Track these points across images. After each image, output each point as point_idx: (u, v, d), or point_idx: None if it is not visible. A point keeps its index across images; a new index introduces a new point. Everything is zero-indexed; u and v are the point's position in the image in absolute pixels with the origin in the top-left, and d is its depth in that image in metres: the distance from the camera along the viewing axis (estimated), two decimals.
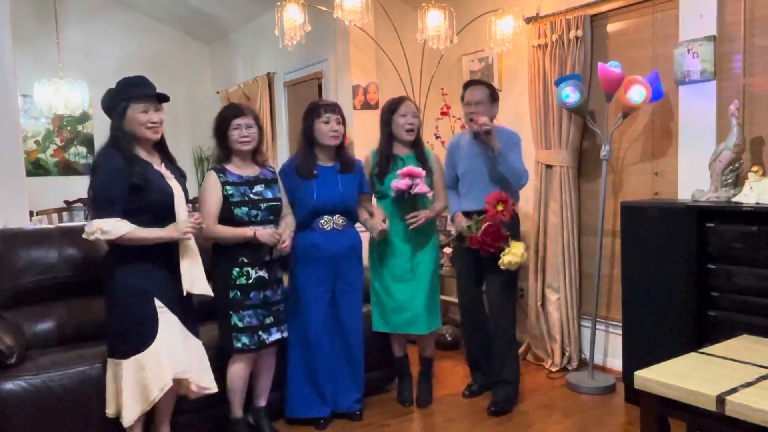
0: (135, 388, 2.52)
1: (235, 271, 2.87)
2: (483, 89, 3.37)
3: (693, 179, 3.24)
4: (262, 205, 2.92)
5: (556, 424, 3.20)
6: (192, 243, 2.65)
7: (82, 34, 6.78)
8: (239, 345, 2.86)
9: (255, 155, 3.02)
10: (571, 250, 3.92)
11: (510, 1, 4.22)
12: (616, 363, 3.77)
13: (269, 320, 2.94)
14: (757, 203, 2.83)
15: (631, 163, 3.76)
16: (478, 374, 3.57)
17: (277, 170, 3.18)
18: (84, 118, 6.76)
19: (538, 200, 4.03)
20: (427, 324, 3.31)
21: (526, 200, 4.03)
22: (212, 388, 2.73)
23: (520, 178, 3.30)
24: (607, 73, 3.42)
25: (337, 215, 3.16)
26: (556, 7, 3.94)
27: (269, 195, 2.97)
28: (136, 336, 2.52)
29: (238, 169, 2.95)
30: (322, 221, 3.14)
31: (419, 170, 3.17)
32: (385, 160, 3.32)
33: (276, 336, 2.98)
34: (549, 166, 3.98)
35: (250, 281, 2.88)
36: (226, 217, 2.87)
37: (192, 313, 2.73)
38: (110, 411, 2.62)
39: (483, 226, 3.19)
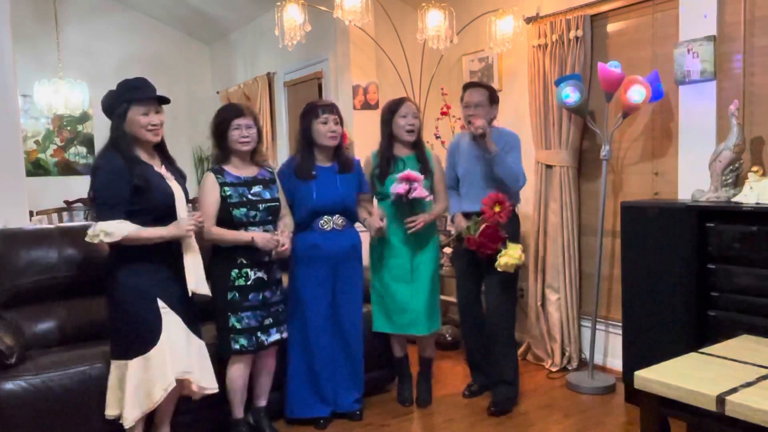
0: (138, 388, 2.52)
1: (234, 272, 2.86)
2: (482, 91, 3.36)
3: (693, 179, 3.24)
4: (261, 206, 2.92)
5: (556, 424, 3.20)
6: (194, 242, 2.66)
7: (82, 34, 6.78)
8: (237, 346, 2.86)
9: (253, 156, 3.01)
10: (571, 250, 3.92)
11: (510, 1, 4.22)
12: (616, 363, 3.77)
13: (268, 321, 2.94)
14: (757, 203, 2.83)
15: (631, 163, 3.76)
16: (478, 374, 3.57)
17: (276, 171, 3.17)
18: (84, 118, 6.76)
19: (538, 200, 4.03)
20: (427, 325, 3.31)
21: (526, 200, 4.02)
22: (214, 388, 2.73)
23: (516, 180, 3.30)
24: (607, 73, 3.42)
25: (336, 215, 3.16)
26: (556, 7, 3.94)
27: (267, 196, 2.96)
28: (140, 337, 2.53)
29: (237, 169, 2.94)
30: (321, 221, 3.14)
31: (417, 174, 3.16)
32: (386, 161, 3.32)
33: (275, 337, 2.98)
34: (549, 166, 3.98)
35: (248, 282, 2.88)
36: (225, 218, 2.86)
37: (194, 312, 2.73)
38: (111, 413, 2.61)
39: (481, 228, 3.18)
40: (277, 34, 4.11)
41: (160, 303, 2.56)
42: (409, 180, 3.15)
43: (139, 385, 2.51)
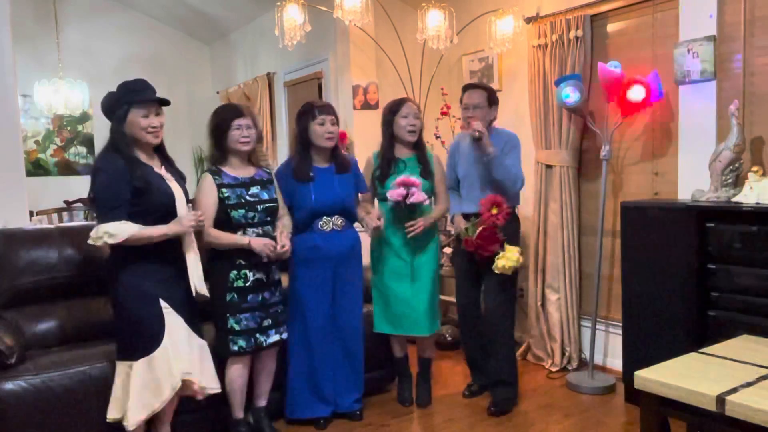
0: (144, 390, 2.51)
1: (233, 273, 2.85)
2: (481, 93, 3.36)
3: (693, 179, 3.24)
4: (259, 207, 2.91)
5: (556, 424, 3.20)
6: (194, 241, 2.66)
7: (82, 34, 6.77)
8: (235, 348, 2.85)
9: (250, 156, 2.99)
10: (571, 250, 3.92)
11: (510, 1, 4.22)
12: (616, 363, 3.77)
13: (267, 322, 2.93)
14: (757, 203, 2.83)
15: (631, 163, 3.76)
16: (477, 374, 3.57)
17: (274, 172, 3.15)
18: (84, 118, 6.76)
19: (538, 200, 4.03)
20: (428, 325, 3.31)
21: (526, 200, 4.03)
22: (216, 388, 2.73)
23: (515, 183, 3.29)
24: (607, 73, 3.42)
25: (335, 216, 3.16)
26: (556, 7, 3.94)
27: (265, 196, 2.95)
28: (144, 338, 2.53)
29: (234, 170, 2.92)
30: (321, 222, 3.14)
31: (414, 179, 3.15)
32: (387, 162, 3.31)
33: (275, 338, 2.97)
34: (549, 166, 3.98)
35: (247, 284, 2.87)
36: (223, 219, 2.84)
37: (196, 312, 2.73)
38: (113, 416, 2.59)
39: (478, 230, 3.18)
40: (277, 34, 4.11)
41: (163, 303, 2.56)
42: (405, 185, 3.14)
43: (144, 386, 2.51)
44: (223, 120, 2.89)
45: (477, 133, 3.19)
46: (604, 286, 3.88)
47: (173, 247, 2.62)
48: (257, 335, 2.89)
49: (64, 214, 6.25)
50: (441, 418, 3.32)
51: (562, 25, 3.82)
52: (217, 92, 7.18)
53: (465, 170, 3.42)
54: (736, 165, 3.00)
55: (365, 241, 3.32)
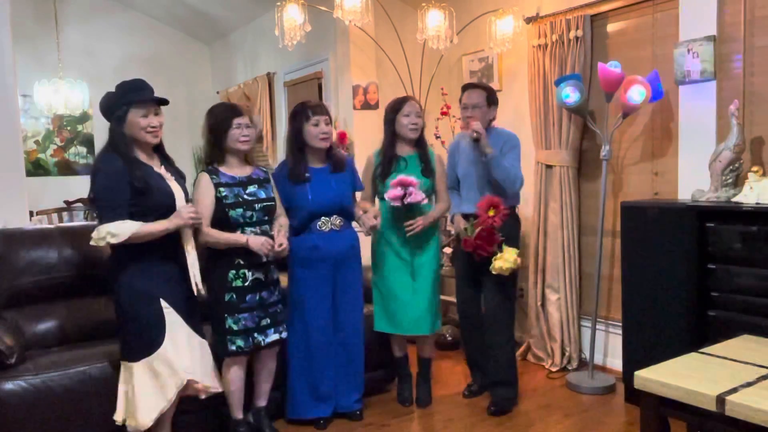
0: (149, 390, 2.52)
1: (231, 273, 2.84)
2: (480, 93, 3.36)
3: (693, 179, 3.24)
4: (257, 206, 2.90)
5: (556, 424, 3.20)
6: (192, 239, 2.66)
7: (82, 34, 6.77)
8: (234, 348, 2.84)
9: (246, 155, 2.98)
10: (571, 250, 3.92)
11: (510, 1, 4.22)
12: (616, 363, 3.77)
13: (266, 322, 2.93)
14: (757, 203, 2.83)
15: (631, 163, 3.76)
16: (477, 374, 3.57)
17: (270, 173, 3.15)
18: (84, 118, 6.76)
19: (538, 200, 4.03)
20: (429, 324, 3.31)
21: (526, 200, 4.03)
22: (217, 387, 2.73)
23: (514, 183, 3.29)
24: (607, 73, 3.42)
25: (334, 216, 3.16)
26: (556, 7, 3.94)
27: (263, 195, 2.94)
28: (144, 338, 2.53)
29: (231, 169, 2.91)
30: (319, 223, 3.13)
31: (411, 179, 3.15)
32: (388, 160, 3.31)
33: (274, 337, 2.96)
34: (549, 166, 3.98)
35: (246, 283, 2.86)
36: (221, 218, 2.83)
37: (196, 311, 2.73)
38: (120, 418, 2.59)
39: (476, 230, 3.18)
40: (277, 34, 4.11)
41: (163, 303, 2.56)
42: (403, 185, 3.14)
43: (148, 387, 2.52)
44: (223, 119, 2.87)
45: (475, 134, 3.19)
46: (604, 286, 3.88)
47: (173, 246, 2.62)
48: (256, 335, 2.89)
49: (64, 214, 6.26)
50: (441, 418, 3.32)
51: (562, 25, 3.82)
52: (217, 92, 7.18)
53: (464, 170, 3.42)
54: (736, 165, 3.00)
55: (364, 240, 3.32)
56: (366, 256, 3.37)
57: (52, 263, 3.06)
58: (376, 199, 3.43)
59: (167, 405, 2.53)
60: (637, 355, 3.20)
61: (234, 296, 2.85)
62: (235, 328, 2.84)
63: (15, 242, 3.05)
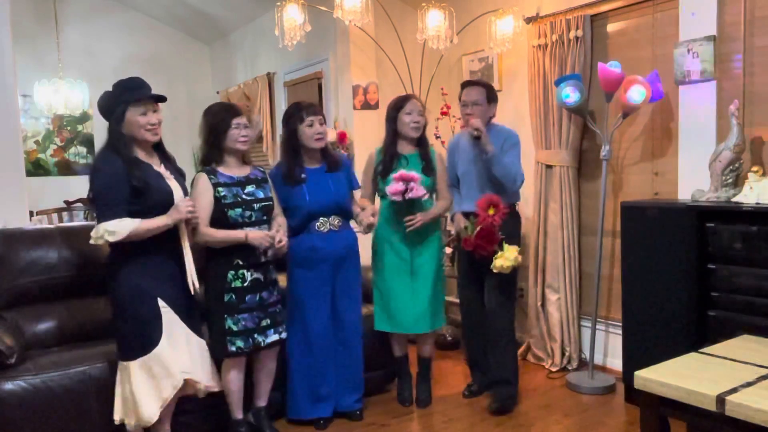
0: (149, 388, 2.52)
1: (230, 273, 2.84)
2: (479, 90, 3.36)
3: (693, 179, 3.24)
4: (255, 206, 2.89)
5: (556, 424, 3.20)
6: (187, 237, 2.66)
7: (82, 34, 6.77)
8: (233, 348, 2.83)
9: (243, 155, 2.98)
10: (571, 250, 3.92)
11: (510, 1, 4.22)
12: (616, 363, 3.77)
13: (265, 322, 2.92)
14: (757, 203, 2.83)
15: (631, 163, 3.76)
16: (477, 374, 3.57)
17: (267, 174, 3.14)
18: (84, 118, 6.76)
19: (538, 200, 4.03)
20: (430, 322, 3.32)
21: (526, 201, 4.03)
22: (216, 386, 2.73)
23: (514, 181, 3.28)
24: (607, 73, 3.42)
25: (332, 216, 3.15)
26: (556, 7, 3.94)
27: (261, 195, 2.94)
28: (141, 337, 2.53)
29: (229, 169, 2.90)
30: (318, 224, 3.13)
31: (413, 174, 3.15)
32: (389, 158, 3.32)
33: (273, 337, 2.96)
34: (549, 166, 3.98)
35: (245, 284, 2.85)
36: (220, 218, 2.82)
37: (194, 310, 2.73)
38: (118, 417, 2.59)
39: (477, 229, 3.18)
40: (277, 34, 4.11)
41: (161, 303, 2.56)
42: (404, 179, 3.14)
43: (148, 385, 2.52)
44: (224, 119, 2.87)
45: (476, 132, 3.19)
46: (604, 286, 3.88)
47: (173, 245, 2.62)
48: (255, 335, 2.88)
49: (64, 214, 6.26)
50: (441, 418, 3.32)
51: (562, 25, 3.82)
52: (217, 92, 7.17)
53: (464, 168, 3.42)
54: (736, 165, 2.99)
55: (364, 240, 3.31)
56: (366, 256, 3.37)
57: (52, 263, 3.06)
58: (376, 198, 3.43)
59: (165, 404, 2.53)
60: (637, 355, 3.20)
61: (233, 297, 2.84)
62: (234, 328, 2.84)
63: (15, 242, 3.05)
